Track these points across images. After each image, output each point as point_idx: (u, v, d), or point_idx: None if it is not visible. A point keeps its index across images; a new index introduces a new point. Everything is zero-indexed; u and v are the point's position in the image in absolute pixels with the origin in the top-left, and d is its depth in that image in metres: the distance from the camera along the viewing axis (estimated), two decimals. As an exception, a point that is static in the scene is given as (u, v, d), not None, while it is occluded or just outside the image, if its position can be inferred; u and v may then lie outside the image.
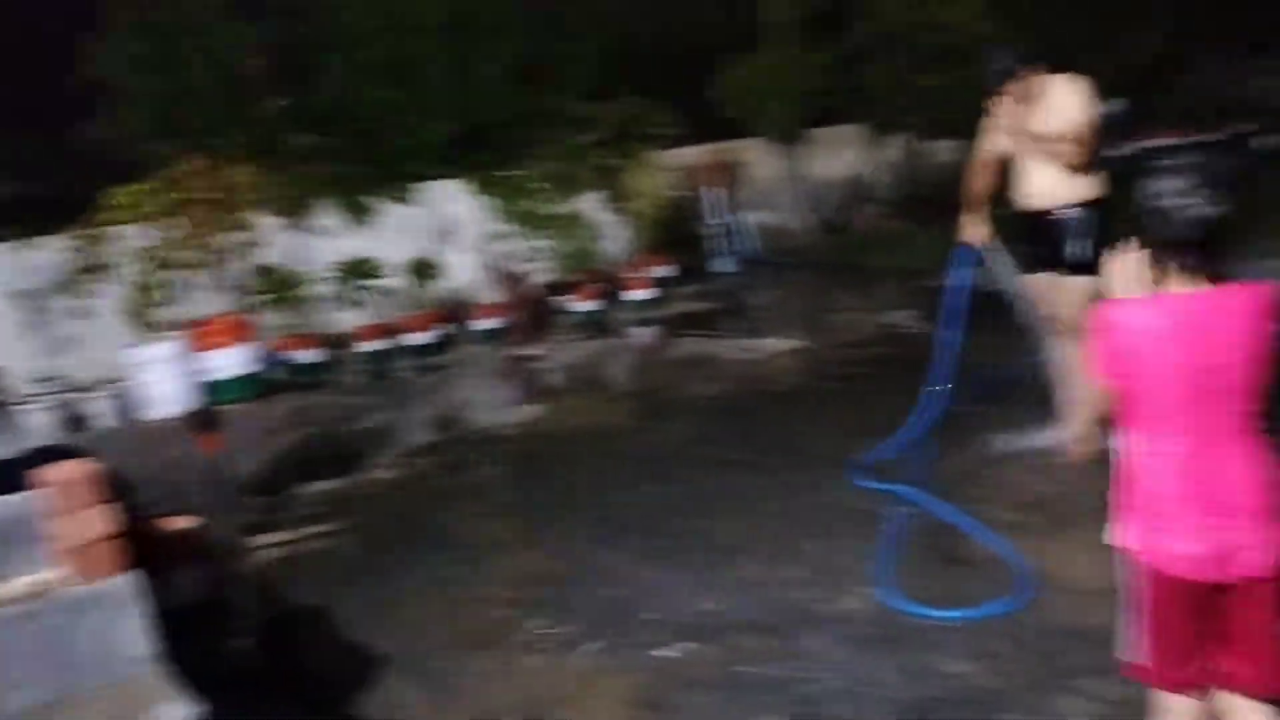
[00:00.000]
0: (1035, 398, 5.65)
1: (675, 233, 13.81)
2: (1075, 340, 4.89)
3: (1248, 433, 2.26)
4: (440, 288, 12.43)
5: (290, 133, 12.11)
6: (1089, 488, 4.42)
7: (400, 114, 12.57)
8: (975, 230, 5.53)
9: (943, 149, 16.55)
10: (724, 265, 13.83)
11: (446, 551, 5.39)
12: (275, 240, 11.53)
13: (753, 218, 15.15)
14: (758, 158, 15.49)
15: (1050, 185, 5.19)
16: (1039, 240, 5.27)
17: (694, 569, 4.68)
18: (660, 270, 12.97)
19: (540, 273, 13.26)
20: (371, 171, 12.34)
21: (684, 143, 14.60)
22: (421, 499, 6.35)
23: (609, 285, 12.78)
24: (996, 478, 5.24)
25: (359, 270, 11.19)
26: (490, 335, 11.24)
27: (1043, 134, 5.10)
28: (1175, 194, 2.22)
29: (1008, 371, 6.26)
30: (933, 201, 15.31)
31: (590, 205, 13.60)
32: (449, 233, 12.73)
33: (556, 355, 10.26)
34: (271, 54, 12.51)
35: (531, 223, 13.21)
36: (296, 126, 12.24)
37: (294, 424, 8.58)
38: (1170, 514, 2.29)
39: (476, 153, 12.99)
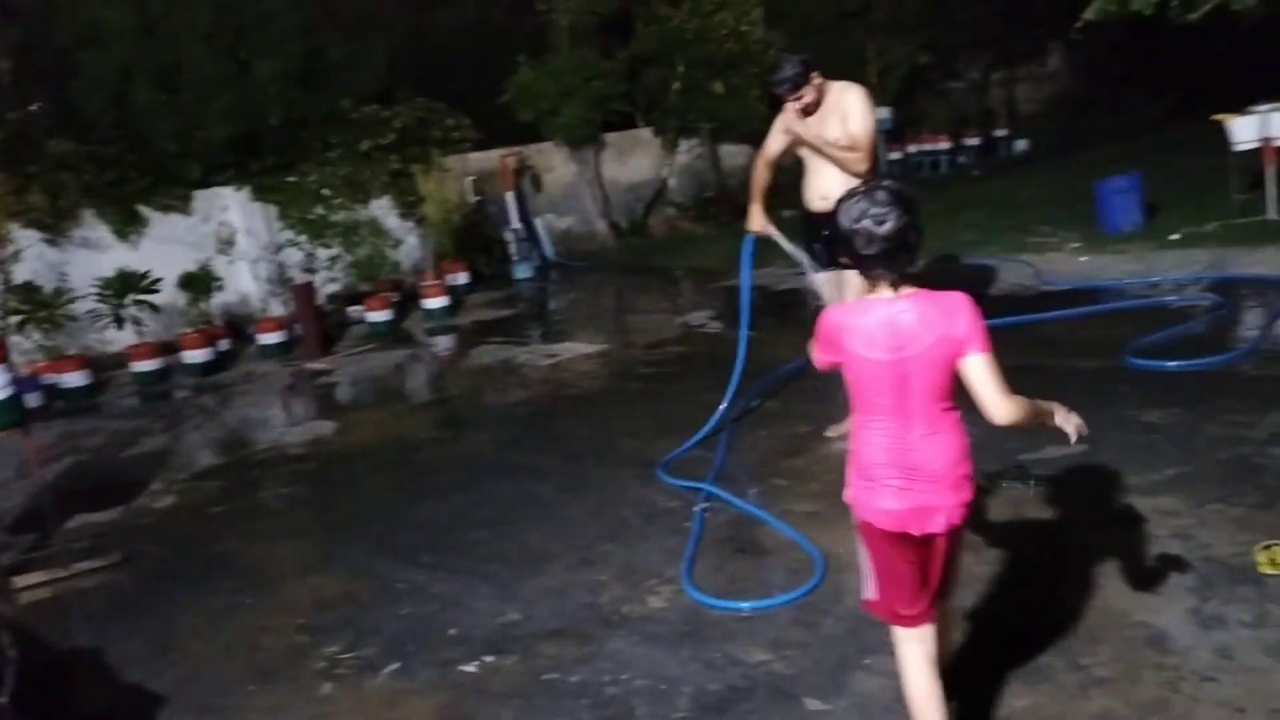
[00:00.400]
0: (828, 389, 5.84)
1: (472, 238, 13.62)
2: None
3: (940, 416, 2.62)
4: (220, 301, 11.78)
5: (48, 138, 11.17)
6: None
7: (170, 117, 11.83)
8: (759, 223, 5.72)
9: (734, 153, 17.06)
10: (522, 270, 13.72)
11: (233, 580, 5.06)
12: (32, 254, 10.62)
13: (550, 222, 15.13)
14: (553, 162, 15.48)
15: (837, 188, 5.12)
16: (826, 239, 5.41)
17: (497, 580, 4.57)
18: (457, 277, 12.74)
19: (329, 282, 12.80)
20: (141, 179, 11.55)
21: (479, 147, 14.42)
22: (204, 526, 5.95)
23: (404, 293, 12.46)
24: (793, 468, 5.38)
25: (129, 285, 10.41)
26: (276, 349, 10.71)
27: (831, 142, 5.29)
28: (866, 217, 2.53)
29: (801, 363, 6.45)
30: (726, 203, 15.76)
31: (381, 211, 13.21)
32: (228, 243, 12.08)
33: (349, 368, 9.88)
34: (24, 55, 11.52)
35: (318, 230, 12.70)
36: (54, 132, 11.31)
37: (60, 453, 7.90)
38: (879, 479, 2.66)
39: (255, 158, 12.38)
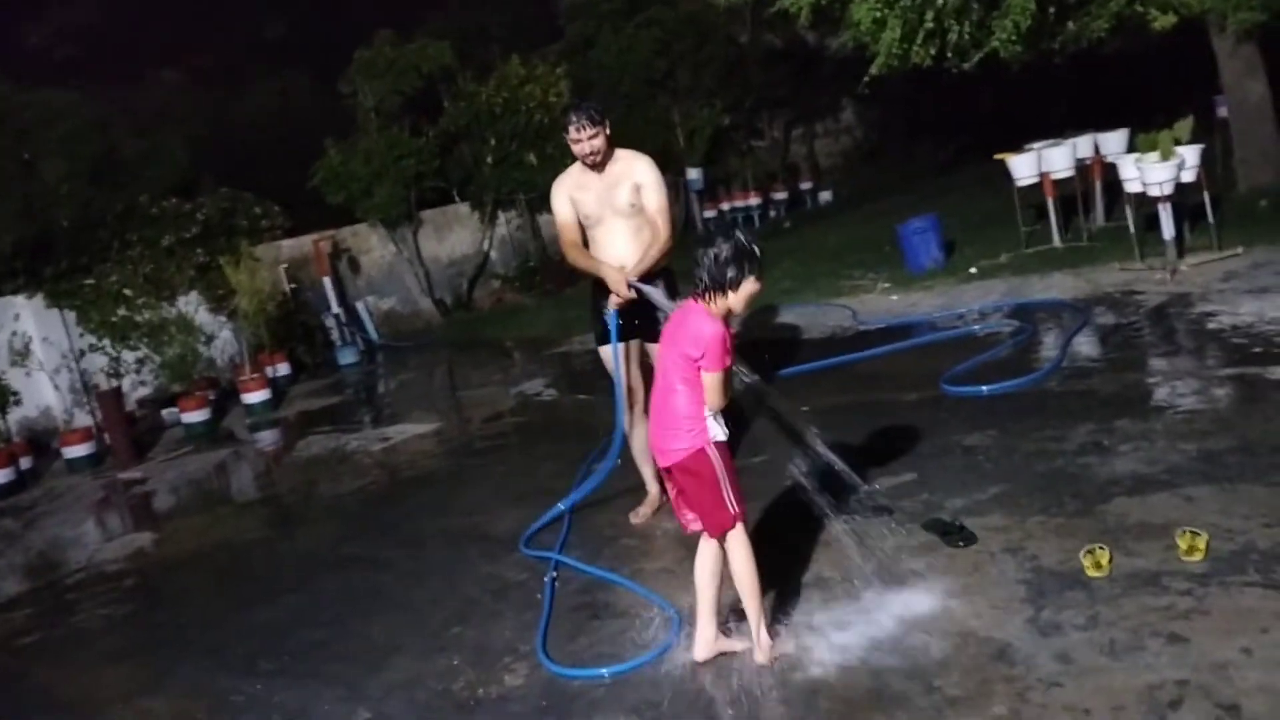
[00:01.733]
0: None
1: (290, 328, 13.16)
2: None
3: (687, 387, 3.58)
4: (19, 417, 10.95)
5: None
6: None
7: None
8: (623, 285, 4.98)
9: (552, 221, 17.17)
10: (347, 356, 13.36)
11: (52, 716, 4.63)
12: None
13: (372, 305, 14.82)
14: (370, 243, 15.22)
15: (632, 256, 5.02)
16: (623, 311, 5.00)
17: (343, 680, 4.33)
18: (278, 368, 12.28)
19: (139, 386, 12.11)
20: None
21: (291, 234, 14.05)
22: (14, 661, 5.43)
23: (221, 391, 11.91)
24: (640, 528, 5.35)
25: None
26: (85, 462, 10.02)
27: (624, 208, 5.02)
28: (711, 256, 3.49)
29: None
30: (549, 271, 15.82)
31: (190, 307, 12.63)
32: (23, 354, 11.27)
33: (166, 474, 9.33)
34: None
35: (122, 332, 12.02)
36: None
37: None
38: (650, 419, 3.77)
39: (48, 262, 11.66)
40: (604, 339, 5.21)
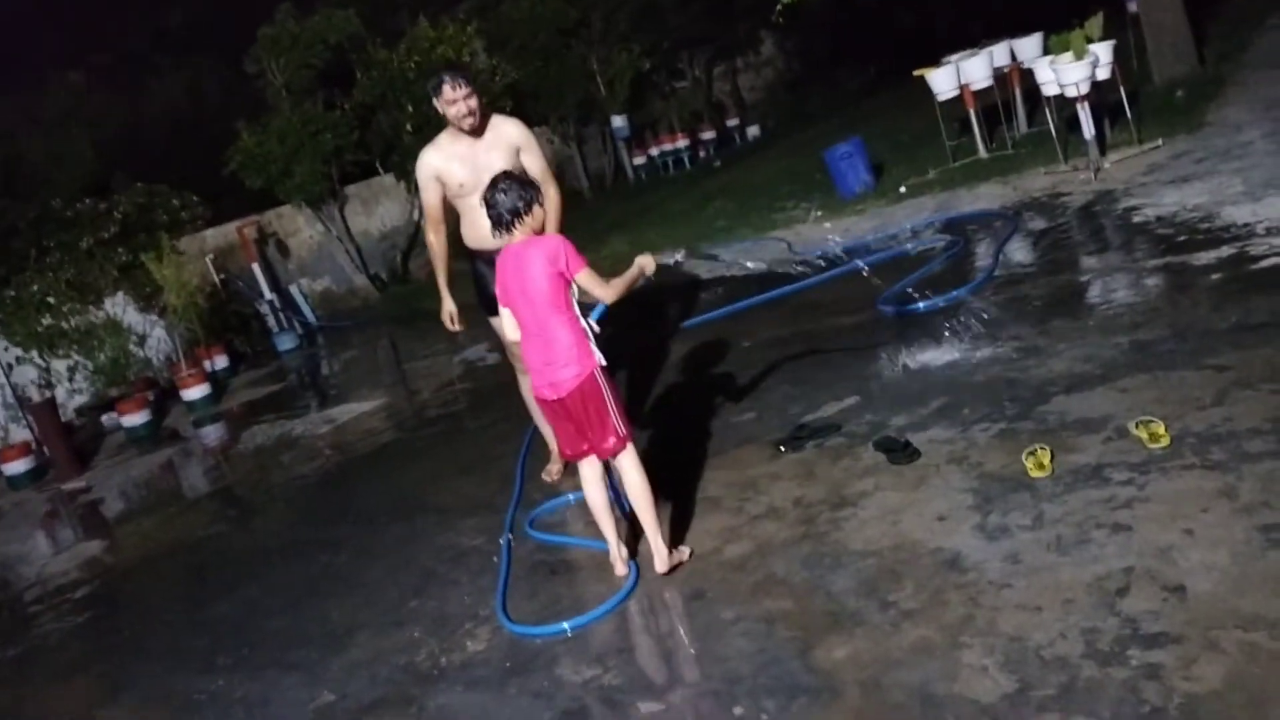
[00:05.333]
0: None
1: (224, 319, 12.90)
2: None
3: (561, 315, 3.80)
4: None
5: None
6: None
7: None
8: (449, 308, 5.20)
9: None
10: (285, 341, 13.12)
11: (6, 738, 4.53)
12: None
13: (306, 286, 14.56)
14: (296, 224, 14.91)
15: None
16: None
17: (304, 666, 4.27)
18: (215, 361, 12.04)
19: (74, 394, 11.83)
20: None
21: (213, 223, 13.72)
22: (-35, 686, 5.30)
23: (160, 390, 11.66)
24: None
25: None
26: (25, 478, 9.77)
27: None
28: (492, 188, 3.84)
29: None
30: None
31: (118, 309, 12.31)
32: (-53, 374, 10.95)
33: (111, 480, 9.13)
34: None
35: (49, 341, 11.70)
36: None
37: None
38: (533, 367, 3.92)
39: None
40: (491, 308, 4.85)
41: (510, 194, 3.80)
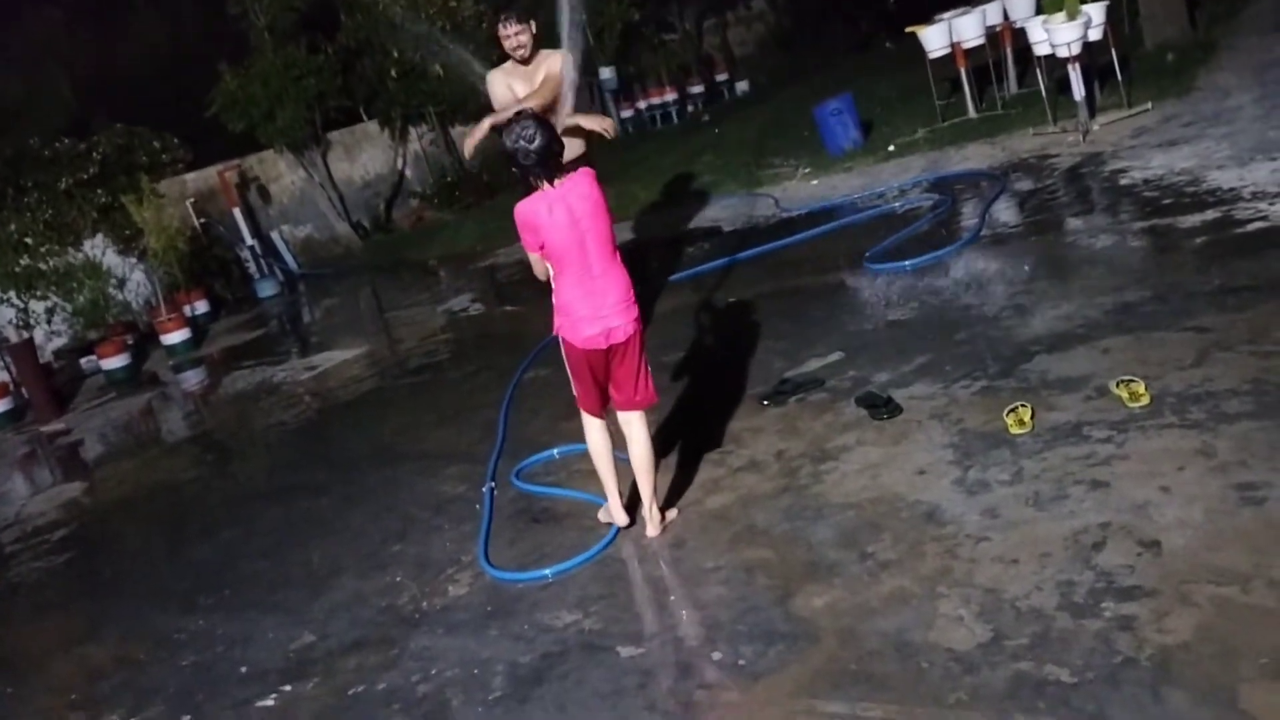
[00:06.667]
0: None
1: (204, 263, 12.76)
2: None
3: (613, 258, 3.75)
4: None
5: None
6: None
7: None
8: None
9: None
10: (266, 288, 12.99)
11: (-15, 674, 4.53)
12: None
13: (287, 233, 14.41)
14: (278, 170, 14.71)
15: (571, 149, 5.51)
16: None
17: (284, 607, 4.29)
18: (196, 306, 11.93)
19: (53, 336, 11.72)
20: None
21: (194, 166, 13.52)
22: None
23: (140, 334, 11.56)
24: (572, 430, 5.29)
25: None
26: (3, 419, 9.68)
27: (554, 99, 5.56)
28: (519, 139, 3.62)
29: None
30: (468, 185, 15.49)
31: (97, 251, 12.16)
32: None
33: (90, 423, 9.07)
34: None
35: (28, 282, 11.56)
36: None
37: None
38: (586, 316, 3.72)
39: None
40: None
41: (538, 133, 3.62)
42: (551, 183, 3.66)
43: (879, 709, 2.66)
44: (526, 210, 3.68)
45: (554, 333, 3.84)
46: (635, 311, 3.79)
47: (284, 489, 5.84)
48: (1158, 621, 2.67)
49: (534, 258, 3.84)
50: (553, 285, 3.82)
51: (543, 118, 3.78)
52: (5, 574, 5.77)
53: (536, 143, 3.60)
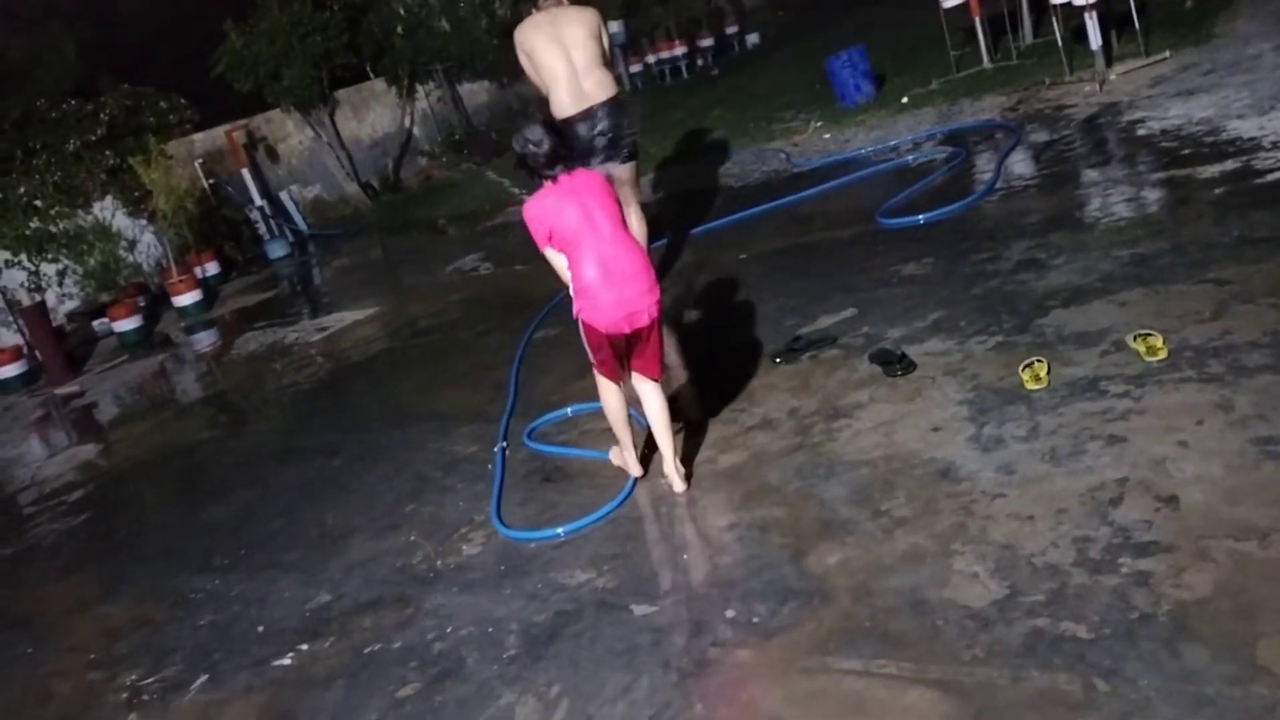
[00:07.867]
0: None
1: (214, 225, 12.74)
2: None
3: (623, 228, 3.82)
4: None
5: None
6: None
7: None
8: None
9: (475, 90, 16.60)
10: (277, 249, 12.98)
11: (5, 633, 4.58)
12: None
13: (296, 193, 14.36)
14: (286, 129, 14.62)
15: (593, 88, 5.99)
16: (594, 135, 5.98)
17: (300, 567, 4.32)
18: (206, 268, 11.93)
19: (65, 299, 11.74)
20: None
21: (201, 127, 13.45)
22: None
23: (151, 296, 11.58)
24: (584, 389, 5.29)
25: None
26: (17, 382, 9.74)
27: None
28: (528, 144, 3.76)
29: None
30: (476, 143, 15.38)
31: (107, 213, 12.14)
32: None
33: (104, 385, 9.11)
34: None
35: (38, 245, 11.56)
36: None
37: None
38: (609, 302, 3.74)
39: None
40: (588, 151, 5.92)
41: (545, 137, 3.76)
42: (556, 180, 3.79)
43: (893, 666, 2.66)
44: (533, 204, 3.81)
45: (574, 316, 3.85)
46: (657, 294, 3.82)
47: (298, 450, 5.86)
48: (1175, 577, 2.65)
49: (550, 254, 3.89)
50: (569, 273, 3.84)
51: (550, 121, 4.03)
52: (23, 535, 5.82)
53: (545, 146, 3.74)
